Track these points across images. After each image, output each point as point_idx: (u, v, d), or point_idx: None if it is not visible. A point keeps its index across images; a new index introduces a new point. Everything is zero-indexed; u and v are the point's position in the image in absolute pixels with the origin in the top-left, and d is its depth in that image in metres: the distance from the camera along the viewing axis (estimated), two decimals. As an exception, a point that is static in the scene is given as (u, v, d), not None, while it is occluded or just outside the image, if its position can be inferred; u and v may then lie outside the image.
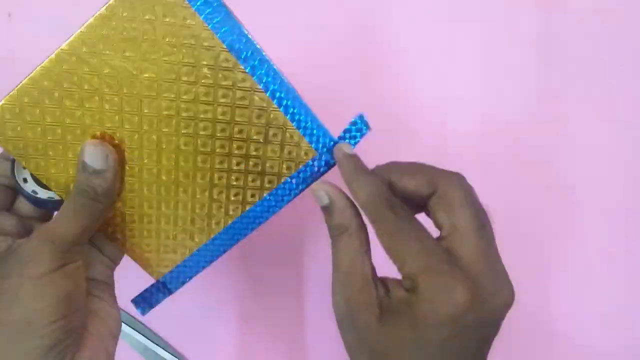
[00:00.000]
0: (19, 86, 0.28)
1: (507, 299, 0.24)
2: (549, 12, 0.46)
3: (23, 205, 0.31)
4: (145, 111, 0.29)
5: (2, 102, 0.28)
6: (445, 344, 0.23)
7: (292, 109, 0.29)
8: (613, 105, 0.46)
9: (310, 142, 0.30)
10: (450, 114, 0.46)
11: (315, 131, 0.30)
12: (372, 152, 0.30)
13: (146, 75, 0.28)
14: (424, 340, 0.23)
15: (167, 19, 0.27)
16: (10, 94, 0.28)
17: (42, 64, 0.28)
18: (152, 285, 0.33)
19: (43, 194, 0.30)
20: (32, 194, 0.30)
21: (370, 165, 0.28)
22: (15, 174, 0.30)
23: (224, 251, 0.33)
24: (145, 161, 0.30)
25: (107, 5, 0.27)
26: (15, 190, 0.30)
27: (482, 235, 0.25)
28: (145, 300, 0.33)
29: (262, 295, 0.48)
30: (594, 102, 0.46)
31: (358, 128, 0.30)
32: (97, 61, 0.27)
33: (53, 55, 0.28)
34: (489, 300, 0.24)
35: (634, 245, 0.47)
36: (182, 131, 0.29)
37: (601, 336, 0.47)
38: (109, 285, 0.32)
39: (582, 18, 0.46)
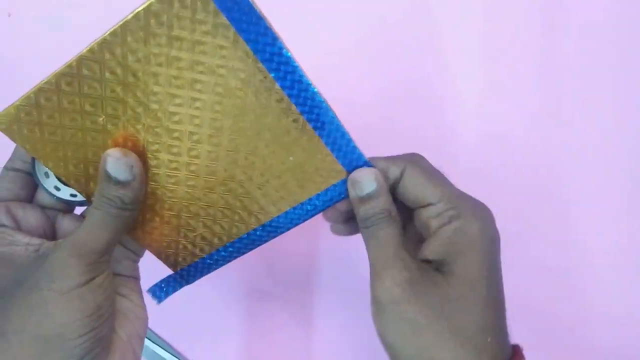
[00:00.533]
0: (35, 88, 0.27)
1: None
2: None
3: (44, 196, 0.30)
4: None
5: (18, 102, 0.27)
6: (487, 272, 0.27)
7: (324, 130, 0.29)
8: (616, 108, 0.46)
9: (343, 165, 0.30)
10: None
11: (348, 154, 0.30)
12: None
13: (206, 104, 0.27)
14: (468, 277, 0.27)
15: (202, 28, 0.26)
16: (27, 94, 0.27)
17: (61, 69, 0.27)
18: (170, 275, 0.33)
19: (65, 190, 0.30)
20: (54, 190, 0.29)
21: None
22: (36, 169, 0.29)
23: (243, 254, 0.33)
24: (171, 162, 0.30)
25: (133, 13, 0.26)
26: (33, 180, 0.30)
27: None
28: (162, 290, 0.33)
29: (267, 294, 0.48)
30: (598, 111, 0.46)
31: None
32: (121, 70, 0.27)
33: (74, 61, 0.27)
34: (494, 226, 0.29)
35: (634, 245, 0.47)
36: (209, 133, 0.28)
37: (601, 336, 0.47)
38: (136, 279, 0.32)
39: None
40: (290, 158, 0.29)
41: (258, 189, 0.31)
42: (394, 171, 0.29)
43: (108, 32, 0.27)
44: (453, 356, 0.25)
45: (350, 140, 0.29)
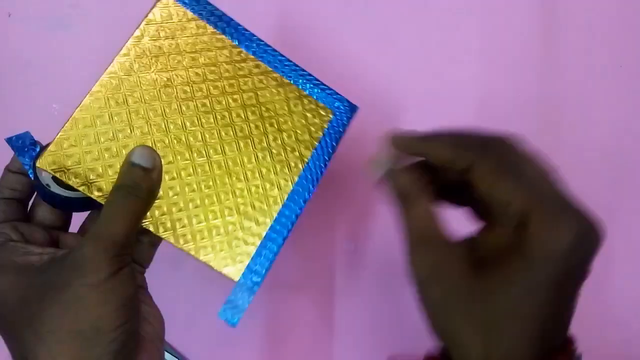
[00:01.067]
0: (71, 117, 0.30)
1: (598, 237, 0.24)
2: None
3: (42, 215, 0.31)
4: (185, 111, 0.32)
5: (59, 135, 0.30)
6: (555, 283, 0.23)
7: (301, 81, 0.35)
8: (615, 106, 0.47)
9: (325, 104, 0.35)
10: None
11: (325, 94, 0.35)
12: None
13: (178, 81, 0.32)
14: (534, 280, 0.23)
15: (186, 32, 0.33)
16: (64, 127, 0.30)
17: (86, 100, 0.30)
18: (236, 287, 0.31)
19: (70, 194, 0.30)
20: (61, 193, 0.30)
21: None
22: (40, 180, 0.30)
23: (292, 224, 0.33)
24: (197, 159, 0.32)
25: (138, 28, 0.32)
26: (24, 205, 0.31)
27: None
28: (236, 308, 0.31)
29: (269, 294, 0.48)
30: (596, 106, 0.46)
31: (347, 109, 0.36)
32: (135, 78, 0.31)
33: (96, 87, 0.31)
34: (591, 237, 0.23)
35: (633, 245, 0.47)
36: (220, 122, 0.33)
37: (601, 336, 0.47)
38: (144, 288, 0.32)
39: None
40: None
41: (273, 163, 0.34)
42: (459, 164, 0.26)
43: (119, 52, 0.32)
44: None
45: (321, 83, 0.35)
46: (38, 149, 0.30)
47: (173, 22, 0.32)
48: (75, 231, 0.34)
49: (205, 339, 0.47)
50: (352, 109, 0.36)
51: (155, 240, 0.32)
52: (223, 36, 0.33)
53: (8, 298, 0.26)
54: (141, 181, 0.27)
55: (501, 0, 0.46)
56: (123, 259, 0.27)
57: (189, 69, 0.32)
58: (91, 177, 0.29)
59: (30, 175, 0.30)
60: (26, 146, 0.30)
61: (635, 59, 0.47)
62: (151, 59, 0.32)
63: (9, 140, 0.30)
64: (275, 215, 0.33)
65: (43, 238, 0.30)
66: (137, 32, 0.32)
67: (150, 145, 0.31)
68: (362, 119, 0.37)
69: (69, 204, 0.31)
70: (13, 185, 0.30)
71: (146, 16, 0.32)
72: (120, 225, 0.26)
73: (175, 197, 0.31)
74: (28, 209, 0.32)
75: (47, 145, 0.29)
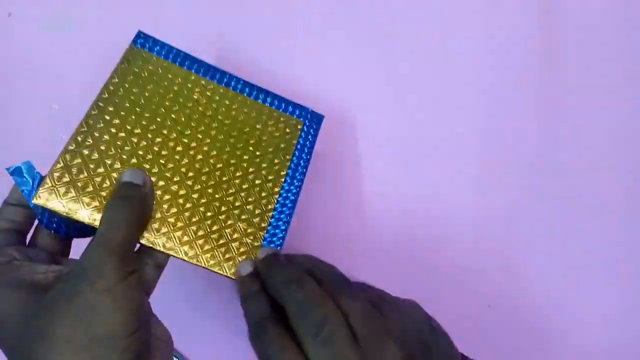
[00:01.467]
0: (61, 153, 0.30)
1: None
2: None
3: (43, 242, 0.32)
4: (170, 133, 0.34)
5: (51, 169, 0.30)
6: None
7: (267, 99, 0.38)
8: (614, 111, 0.47)
9: (292, 115, 0.38)
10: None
11: (290, 107, 0.38)
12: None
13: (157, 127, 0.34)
14: None
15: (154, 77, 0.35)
16: (55, 163, 0.30)
17: (73, 136, 0.31)
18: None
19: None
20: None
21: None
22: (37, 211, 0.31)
23: (293, 199, 0.36)
24: (186, 181, 0.33)
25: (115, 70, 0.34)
26: (24, 236, 0.31)
27: None
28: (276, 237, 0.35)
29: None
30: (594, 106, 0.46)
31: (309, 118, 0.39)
32: (120, 120, 0.33)
33: (83, 125, 0.32)
34: None
35: (634, 246, 0.47)
36: (200, 138, 0.35)
37: (601, 336, 0.47)
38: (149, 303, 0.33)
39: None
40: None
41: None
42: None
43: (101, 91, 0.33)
44: None
45: (284, 99, 0.39)
46: (39, 179, 0.30)
47: (138, 70, 0.34)
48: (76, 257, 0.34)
49: (205, 339, 0.47)
50: (318, 118, 0.39)
51: (161, 262, 0.32)
52: (190, 72, 0.36)
53: (15, 315, 0.26)
54: (134, 192, 0.29)
55: (501, 0, 0.46)
56: (128, 263, 0.27)
57: (168, 113, 0.34)
58: (89, 204, 0.30)
59: (31, 206, 0.30)
60: (26, 176, 0.30)
61: (635, 59, 0.47)
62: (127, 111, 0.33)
63: (10, 171, 0.30)
64: (271, 211, 0.35)
65: (47, 259, 0.30)
66: (105, 94, 0.33)
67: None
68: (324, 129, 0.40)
69: (71, 231, 0.32)
70: (12, 217, 0.30)
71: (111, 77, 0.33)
72: (120, 229, 0.27)
73: (173, 213, 0.32)
74: (28, 240, 0.32)
75: (46, 175, 0.30)
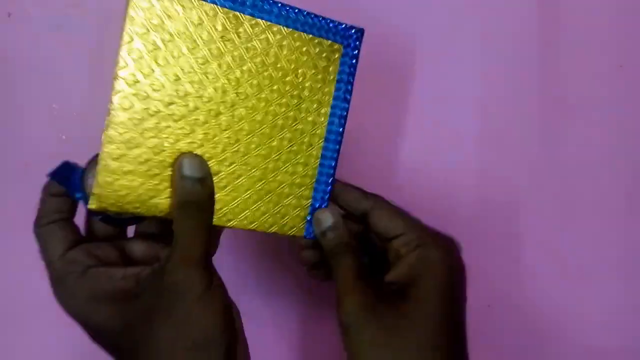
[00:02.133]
0: (101, 156, 0.29)
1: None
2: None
3: (99, 229, 0.32)
4: (204, 104, 0.31)
5: (99, 175, 0.28)
6: (440, 310, 0.29)
7: (300, 24, 0.32)
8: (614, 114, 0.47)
9: (332, 39, 0.33)
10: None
11: (329, 28, 0.33)
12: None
13: (186, 73, 0.30)
14: (423, 311, 0.29)
15: (173, 18, 0.30)
16: (99, 167, 0.28)
17: (109, 132, 0.29)
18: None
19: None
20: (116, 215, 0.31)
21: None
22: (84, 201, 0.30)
23: (337, 155, 0.34)
24: (231, 147, 0.31)
25: (124, 33, 0.29)
26: (74, 223, 0.31)
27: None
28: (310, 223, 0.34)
29: (256, 294, 0.48)
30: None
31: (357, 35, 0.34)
32: (142, 91, 0.29)
33: (113, 121, 0.29)
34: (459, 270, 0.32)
35: (634, 245, 0.47)
36: (248, 81, 0.32)
37: (601, 336, 0.47)
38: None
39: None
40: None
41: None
42: (364, 204, 0.33)
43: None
44: None
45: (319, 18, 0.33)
46: (81, 173, 0.30)
47: (155, 12, 0.29)
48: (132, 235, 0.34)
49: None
50: (359, 34, 0.34)
51: (218, 230, 0.34)
52: (213, 5, 0.30)
53: (114, 326, 0.28)
54: (201, 194, 0.29)
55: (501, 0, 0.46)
56: (210, 270, 0.29)
57: (191, 56, 0.30)
58: (146, 198, 0.29)
59: (81, 202, 0.30)
60: (70, 176, 0.30)
61: (635, 59, 0.47)
62: (150, 60, 0.29)
63: (53, 176, 0.30)
64: (319, 155, 0.34)
65: (114, 254, 0.31)
66: (126, 37, 0.29)
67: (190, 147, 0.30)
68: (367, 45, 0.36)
69: (124, 221, 0.32)
70: (60, 208, 0.31)
71: (125, 18, 0.29)
72: (198, 241, 0.28)
73: (225, 185, 0.31)
74: (84, 227, 0.33)
75: (92, 161, 0.29)
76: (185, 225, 0.28)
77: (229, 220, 0.31)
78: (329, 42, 0.33)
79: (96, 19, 0.47)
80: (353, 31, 0.34)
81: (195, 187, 0.29)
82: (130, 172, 0.29)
